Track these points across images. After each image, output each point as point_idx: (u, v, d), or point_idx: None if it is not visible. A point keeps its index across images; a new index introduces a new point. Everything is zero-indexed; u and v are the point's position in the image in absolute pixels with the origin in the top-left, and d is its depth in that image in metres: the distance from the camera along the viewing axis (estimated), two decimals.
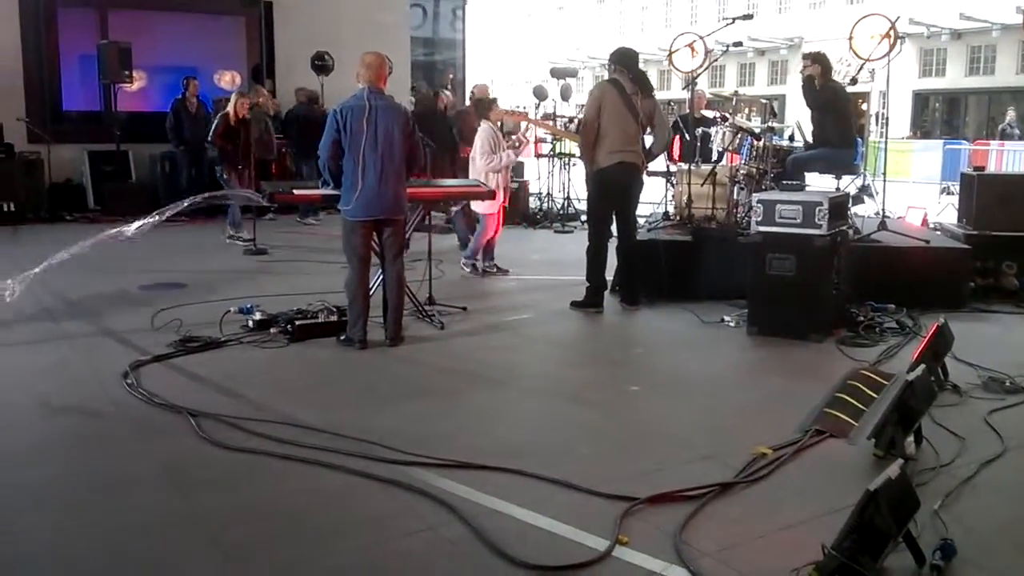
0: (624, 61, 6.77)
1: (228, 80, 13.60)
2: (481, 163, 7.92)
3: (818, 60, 7.72)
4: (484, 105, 8.50)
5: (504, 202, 8.20)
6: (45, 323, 6.10)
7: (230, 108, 9.69)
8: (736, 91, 10.19)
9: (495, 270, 8.31)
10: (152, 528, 3.17)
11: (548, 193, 12.45)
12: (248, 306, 6.12)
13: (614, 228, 6.85)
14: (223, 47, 13.82)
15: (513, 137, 8.70)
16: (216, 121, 9.77)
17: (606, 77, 6.93)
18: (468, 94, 11.44)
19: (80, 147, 12.29)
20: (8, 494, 3.44)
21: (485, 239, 8.20)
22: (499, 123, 8.47)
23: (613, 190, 6.67)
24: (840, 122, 7.65)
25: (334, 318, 5.85)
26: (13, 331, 5.83)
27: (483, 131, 8.07)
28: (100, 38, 12.31)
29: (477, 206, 8.12)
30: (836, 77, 7.93)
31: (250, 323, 5.91)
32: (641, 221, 7.84)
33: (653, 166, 7.69)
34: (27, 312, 6.28)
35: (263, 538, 3.11)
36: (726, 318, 6.34)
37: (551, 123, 12.17)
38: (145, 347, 5.46)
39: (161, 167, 12.34)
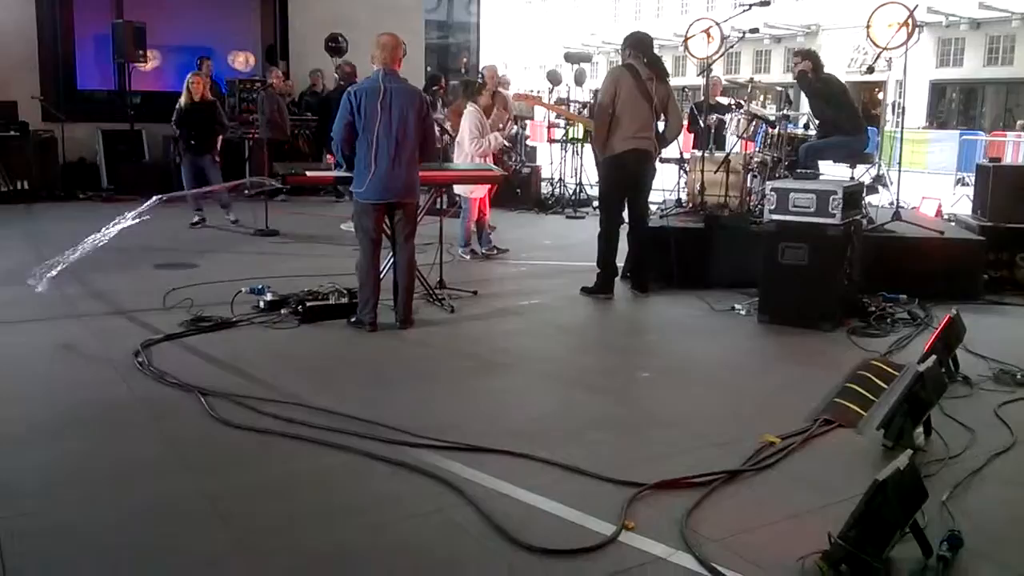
0: (639, 46, 6.73)
1: (242, 61, 13.64)
2: (469, 147, 7.88)
3: (808, 56, 7.85)
4: (471, 88, 8.45)
5: (491, 186, 8.17)
6: (57, 301, 6.13)
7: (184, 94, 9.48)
8: (752, 78, 10.13)
9: (495, 251, 8.30)
10: (161, 506, 3.19)
11: (560, 178, 12.42)
12: (259, 287, 6.14)
13: (626, 214, 6.84)
14: (237, 28, 13.83)
15: (501, 122, 8.63)
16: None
17: (620, 62, 6.90)
18: (479, 77, 11.41)
19: (94, 126, 12.32)
20: (17, 473, 3.47)
21: (471, 223, 8.19)
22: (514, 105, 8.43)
23: (626, 176, 6.64)
24: (845, 109, 7.64)
25: (345, 300, 5.86)
26: (25, 309, 5.86)
27: (469, 114, 7.97)
28: (115, 17, 12.32)
29: (461, 189, 8.11)
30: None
31: (261, 304, 5.93)
32: (653, 208, 7.82)
33: (666, 153, 7.67)
34: (39, 290, 6.31)
35: (272, 518, 3.13)
36: (737, 306, 6.33)
37: (565, 108, 12.13)
38: (156, 326, 5.49)
39: (174, 147, 12.36)
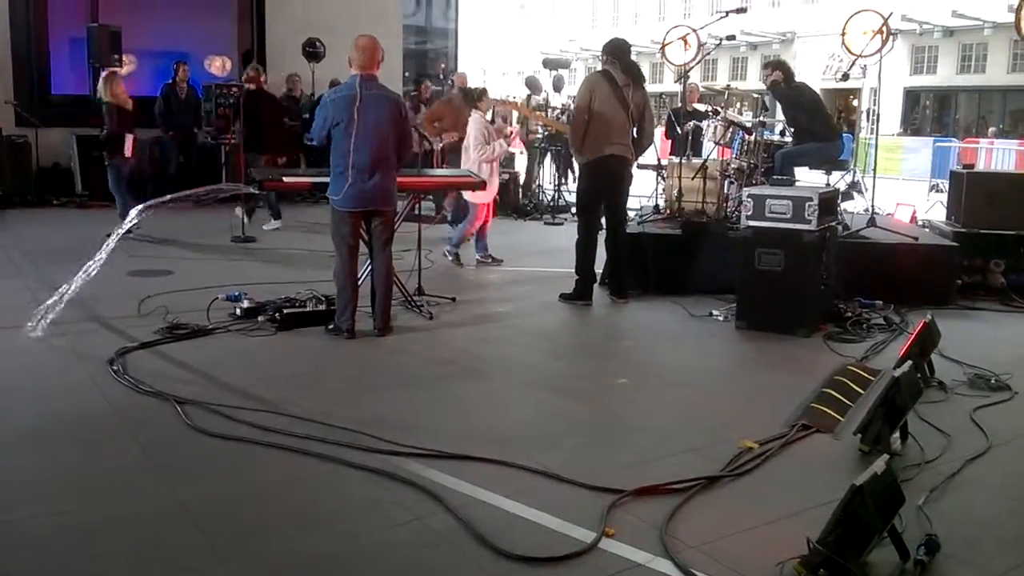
0: (616, 52, 6.75)
1: (218, 66, 13.54)
2: (475, 153, 7.91)
3: (779, 67, 8.01)
4: (473, 95, 8.48)
5: (495, 192, 8.20)
6: (31, 309, 6.04)
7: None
8: (728, 85, 10.20)
9: (490, 260, 8.30)
10: (136, 514, 3.15)
11: (539, 184, 12.42)
12: (236, 294, 6.10)
13: (604, 221, 6.85)
14: (214, 32, 13.73)
15: (506, 128, 8.70)
16: None
17: (598, 68, 6.92)
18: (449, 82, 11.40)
19: (68, 131, 12.18)
20: None
21: (473, 229, 8.18)
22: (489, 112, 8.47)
23: (603, 182, 6.66)
24: (819, 116, 7.74)
25: (322, 307, 5.82)
26: None
27: (475, 121, 8.05)
28: (90, 21, 12.18)
29: (468, 195, 8.11)
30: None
31: (238, 311, 5.88)
32: (631, 214, 7.84)
33: (643, 159, 7.69)
34: (14, 298, 6.24)
35: (248, 526, 3.10)
36: (714, 312, 6.35)
37: (542, 114, 12.14)
38: (132, 334, 5.43)
39: (150, 152, 12.22)
